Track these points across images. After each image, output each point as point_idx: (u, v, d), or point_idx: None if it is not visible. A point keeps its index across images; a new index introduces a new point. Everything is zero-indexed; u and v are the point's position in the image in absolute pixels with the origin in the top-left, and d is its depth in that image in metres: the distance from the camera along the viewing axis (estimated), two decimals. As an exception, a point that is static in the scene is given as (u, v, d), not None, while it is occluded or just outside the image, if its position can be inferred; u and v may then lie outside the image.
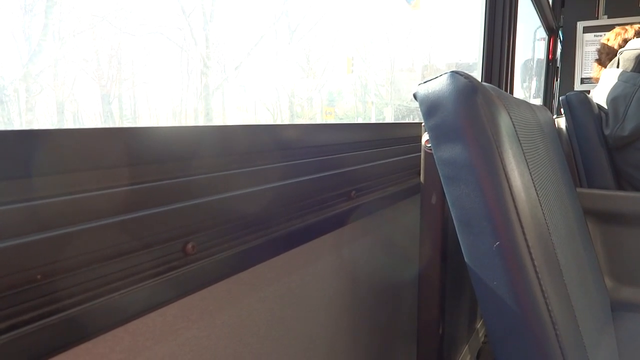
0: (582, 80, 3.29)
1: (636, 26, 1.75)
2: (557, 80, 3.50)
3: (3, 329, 0.28)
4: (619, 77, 1.51)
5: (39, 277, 0.30)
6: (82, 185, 0.35)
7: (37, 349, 0.30)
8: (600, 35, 3.06)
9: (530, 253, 0.54)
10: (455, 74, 0.58)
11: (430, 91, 0.59)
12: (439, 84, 0.59)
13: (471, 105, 0.56)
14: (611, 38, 1.85)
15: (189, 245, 0.42)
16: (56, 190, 0.33)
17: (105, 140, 0.37)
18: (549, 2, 2.89)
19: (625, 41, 1.75)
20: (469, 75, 0.59)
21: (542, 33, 3.37)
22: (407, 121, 1.10)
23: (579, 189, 1.50)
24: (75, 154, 0.35)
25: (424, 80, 0.61)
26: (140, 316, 0.38)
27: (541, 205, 0.67)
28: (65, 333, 0.32)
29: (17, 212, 0.30)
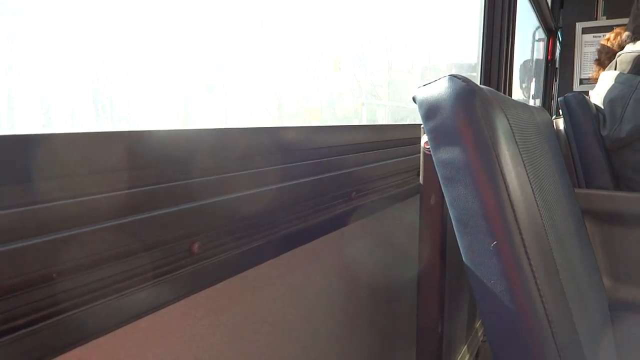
0: (581, 81, 3.31)
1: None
2: (556, 81, 3.51)
3: (22, 324, 0.30)
4: (616, 79, 1.52)
5: (54, 275, 0.31)
6: (95, 188, 0.36)
7: (53, 344, 0.32)
8: (599, 36, 3.07)
9: (526, 253, 0.56)
10: (453, 77, 0.59)
11: (429, 94, 0.61)
12: (438, 88, 0.60)
13: (469, 108, 0.58)
14: (611, 38, 1.87)
15: (195, 245, 0.43)
16: (66, 193, 0.35)
17: (113, 143, 0.39)
18: (547, 3, 2.91)
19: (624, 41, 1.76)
20: (467, 78, 0.60)
21: (541, 33, 3.38)
22: (406, 123, 1.11)
23: (577, 189, 1.52)
24: (84, 157, 0.36)
25: (423, 84, 0.62)
26: (150, 313, 0.39)
27: (538, 206, 0.68)
28: (75, 330, 0.33)
29: (29, 215, 0.32)
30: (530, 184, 0.68)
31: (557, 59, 3.46)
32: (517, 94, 3.33)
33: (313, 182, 0.63)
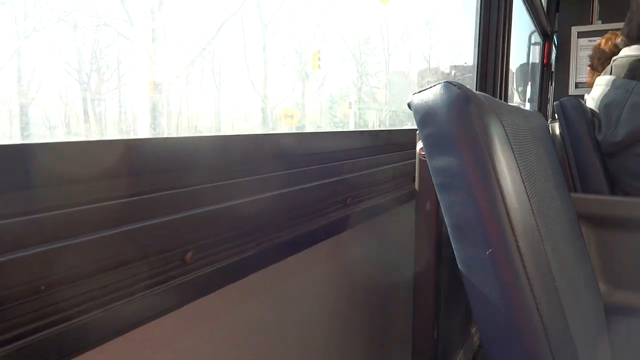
0: (577, 85, 3.32)
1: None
2: (552, 84, 3.53)
3: (9, 338, 0.29)
4: (611, 83, 1.52)
5: (42, 288, 0.31)
6: (84, 197, 0.36)
7: (41, 359, 0.31)
8: (595, 40, 3.08)
9: (522, 260, 0.56)
10: (448, 84, 0.59)
11: (424, 101, 0.61)
12: (433, 94, 0.60)
13: (464, 115, 0.57)
14: (602, 43, 1.88)
15: (188, 254, 0.43)
16: (59, 202, 0.34)
17: (106, 152, 0.38)
18: (543, 7, 2.92)
19: (616, 46, 1.77)
20: (462, 85, 0.60)
21: (536, 37, 3.39)
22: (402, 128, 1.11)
23: (573, 194, 1.52)
24: (77, 166, 0.36)
25: (418, 90, 0.62)
26: (141, 325, 0.39)
27: (533, 212, 0.68)
28: (67, 343, 0.33)
29: (22, 225, 0.31)
30: (526, 190, 0.68)
31: (553, 63, 3.48)
32: (514, 97, 3.34)
33: (308, 189, 0.63)
